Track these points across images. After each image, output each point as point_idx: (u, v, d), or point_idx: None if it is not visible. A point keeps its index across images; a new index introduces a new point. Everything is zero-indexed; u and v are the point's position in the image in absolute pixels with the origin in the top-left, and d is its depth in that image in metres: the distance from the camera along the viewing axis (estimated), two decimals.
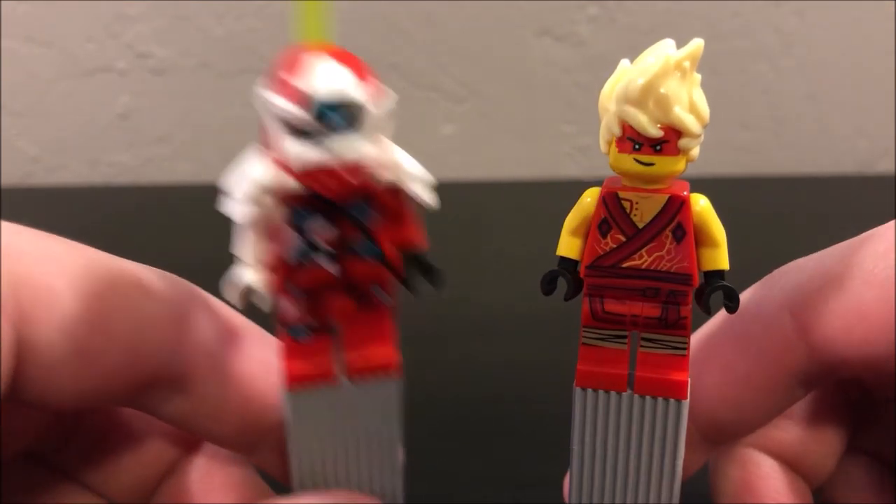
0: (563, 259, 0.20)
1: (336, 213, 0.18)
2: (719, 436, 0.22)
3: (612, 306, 0.20)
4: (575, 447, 0.21)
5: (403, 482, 0.22)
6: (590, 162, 0.66)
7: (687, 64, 0.18)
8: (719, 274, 0.19)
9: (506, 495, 0.30)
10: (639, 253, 0.19)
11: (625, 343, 0.20)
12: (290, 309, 0.19)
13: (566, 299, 0.20)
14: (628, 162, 0.19)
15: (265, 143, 0.17)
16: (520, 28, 0.64)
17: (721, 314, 0.22)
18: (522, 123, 0.66)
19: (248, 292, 0.18)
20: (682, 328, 0.20)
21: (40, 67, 0.64)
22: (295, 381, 0.19)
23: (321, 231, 0.18)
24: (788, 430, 0.22)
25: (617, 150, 0.19)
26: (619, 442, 0.21)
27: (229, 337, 0.20)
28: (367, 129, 0.17)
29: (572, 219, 0.20)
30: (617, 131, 0.19)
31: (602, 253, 0.20)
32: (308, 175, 0.17)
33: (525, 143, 0.67)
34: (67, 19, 0.63)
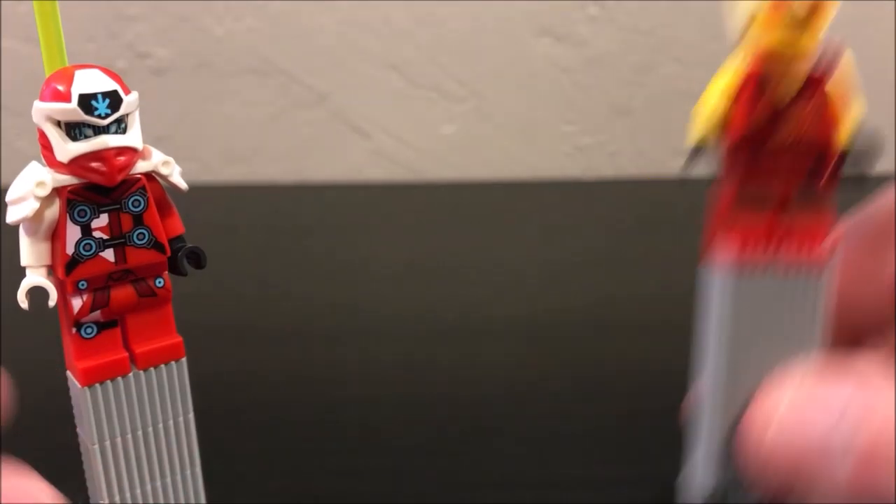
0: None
1: (112, 205, 0.20)
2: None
3: (756, 183, 0.20)
4: (722, 336, 0.20)
5: (202, 480, 0.23)
6: (589, 162, 0.66)
7: None
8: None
9: (506, 495, 0.30)
10: (785, 124, 0.20)
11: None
12: (77, 306, 0.20)
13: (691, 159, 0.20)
14: (780, 32, 0.19)
15: (44, 151, 0.19)
16: (520, 28, 0.64)
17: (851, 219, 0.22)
18: (522, 123, 0.66)
19: (32, 293, 0.20)
20: (826, 196, 0.20)
21: (40, 67, 0.64)
22: (90, 376, 0.20)
23: (99, 223, 0.20)
24: None
25: (767, 21, 0.19)
26: (761, 326, 0.20)
27: None
28: (128, 123, 0.19)
29: (729, 83, 0.20)
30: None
31: (751, 126, 0.19)
32: (77, 165, 0.19)
33: (525, 143, 0.67)
34: (67, 19, 0.63)
